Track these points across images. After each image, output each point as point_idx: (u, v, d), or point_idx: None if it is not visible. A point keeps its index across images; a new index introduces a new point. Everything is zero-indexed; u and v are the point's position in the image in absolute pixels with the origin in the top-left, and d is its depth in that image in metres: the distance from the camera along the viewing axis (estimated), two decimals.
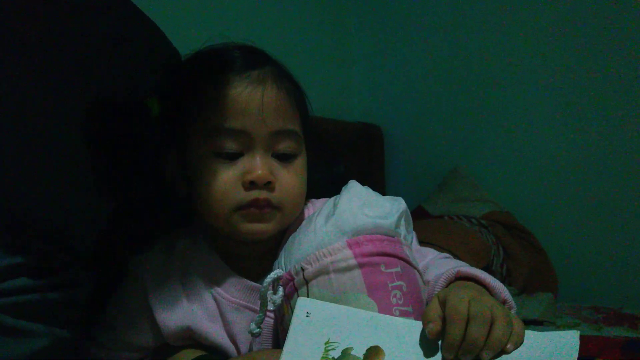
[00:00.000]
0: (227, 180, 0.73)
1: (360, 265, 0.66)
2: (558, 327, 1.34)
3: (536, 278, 1.68)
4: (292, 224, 0.79)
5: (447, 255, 0.80)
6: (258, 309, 0.73)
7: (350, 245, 0.67)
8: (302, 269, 0.67)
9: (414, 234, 0.77)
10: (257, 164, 0.73)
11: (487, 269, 1.51)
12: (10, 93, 0.65)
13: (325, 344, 0.61)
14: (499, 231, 1.68)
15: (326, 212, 0.72)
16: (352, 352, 0.60)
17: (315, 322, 0.63)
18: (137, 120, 0.77)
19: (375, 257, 0.67)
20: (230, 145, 0.73)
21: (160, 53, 0.85)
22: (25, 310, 0.65)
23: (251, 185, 0.72)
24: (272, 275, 0.69)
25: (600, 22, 1.70)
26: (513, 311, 0.65)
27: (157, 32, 0.87)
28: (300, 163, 0.77)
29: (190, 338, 0.76)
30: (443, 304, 0.60)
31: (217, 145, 0.73)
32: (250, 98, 0.73)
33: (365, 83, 2.20)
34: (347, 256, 0.66)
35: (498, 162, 1.91)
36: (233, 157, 0.73)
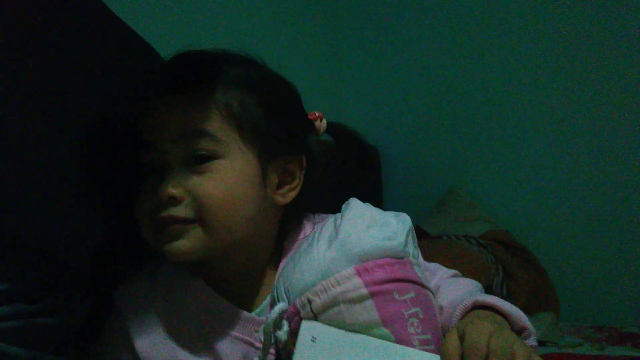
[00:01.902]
0: (143, 202, 0.70)
1: (372, 295, 0.61)
2: (560, 348, 1.33)
3: (537, 297, 1.66)
4: (288, 241, 0.75)
5: (455, 272, 0.77)
6: (253, 341, 0.69)
7: (359, 273, 0.62)
8: (309, 301, 0.62)
9: (419, 250, 0.73)
10: (164, 180, 0.69)
11: (488, 289, 1.50)
12: (5, 113, 0.64)
13: None
14: (497, 250, 1.67)
15: (327, 235, 0.67)
16: None
17: (321, 348, 0.59)
18: (130, 144, 0.76)
19: (388, 284, 0.62)
20: (147, 160, 0.71)
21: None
22: (14, 335, 0.64)
23: (160, 204, 0.68)
24: (276, 309, 0.63)
25: (600, 47, 1.71)
26: (533, 337, 0.62)
27: (153, 53, 0.87)
28: (223, 165, 0.69)
29: None
30: (462, 337, 0.57)
31: (141, 163, 0.71)
32: (152, 109, 0.70)
33: (361, 104, 2.20)
34: (357, 285, 0.61)
35: (496, 181, 1.91)
36: (156, 172, 0.70)
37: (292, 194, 0.76)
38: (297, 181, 0.76)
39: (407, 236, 0.68)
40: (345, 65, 2.21)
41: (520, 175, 1.86)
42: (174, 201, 0.68)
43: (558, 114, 1.79)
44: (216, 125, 0.70)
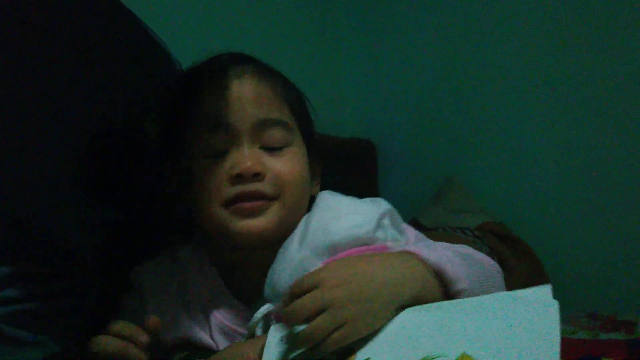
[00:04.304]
0: (213, 177, 0.70)
1: None
2: None
3: (532, 287, 1.67)
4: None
5: (461, 246, 0.74)
6: (244, 333, 0.69)
7: None
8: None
9: (413, 233, 0.73)
10: (243, 156, 0.69)
11: None
12: (17, 105, 0.65)
13: None
14: (492, 242, 1.69)
15: (299, 234, 0.67)
16: None
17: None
18: (137, 135, 0.77)
19: None
20: (214, 141, 0.71)
21: (163, 69, 0.86)
22: (25, 319, 0.65)
23: (238, 178, 0.69)
24: (262, 310, 0.65)
25: (597, 38, 1.72)
26: (455, 286, 0.60)
27: (162, 50, 0.88)
28: (294, 151, 0.73)
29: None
30: None
31: (202, 143, 0.71)
32: (228, 91, 0.72)
33: (357, 96, 2.21)
34: None
35: (492, 172, 1.92)
36: (219, 154, 0.71)
37: (318, 188, 0.80)
38: (318, 178, 0.80)
39: (380, 221, 0.67)
40: (342, 57, 2.22)
41: (516, 166, 1.88)
42: (258, 177, 0.69)
43: (554, 104, 1.80)
44: (287, 114, 0.74)
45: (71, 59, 0.72)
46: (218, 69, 0.74)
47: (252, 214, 0.69)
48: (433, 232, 1.72)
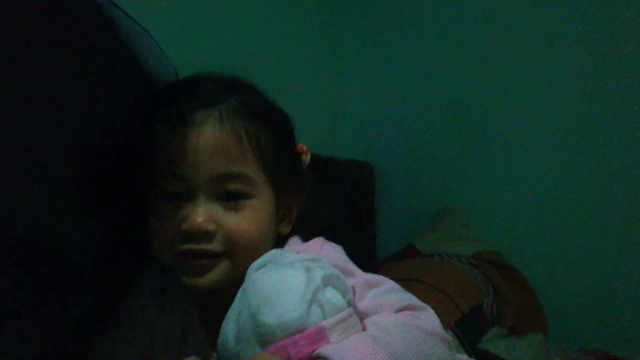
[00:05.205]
0: (167, 225, 0.69)
1: None
2: None
3: (526, 318, 1.66)
4: None
5: (406, 305, 0.66)
6: None
7: None
8: None
9: (361, 279, 0.68)
10: (195, 212, 0.68)
11: (478, 308, 1.50)
12: (15, 104, 0.65)
13: None
14: (488, 270, 1.67)
15: (235, 315, 0.63)
16: None
17: None
18: (136, 137, 0.76)
19: None
20: (171, 189, 0.70)
21: (163, 74, 0.86)
22: (21, 327, 0.64)
23: (188, 235, 0.68)
24: None
25: (595, 62, 1.73)
26: None
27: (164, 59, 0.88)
28: (253, 205, 0.71)
29: None
30: None
31: (160, 188, 0.71)
32: (187, 142, 0.70)
33: (356, 120, 2.21)
34: None
35: (489, 199, 1.92)
36: (176, 200, 0.70)
37: (290, 226, 0.79)
38: (294, 213, 0.79)
39: (314, 296, 0.61)
40: (341, 79, 2.23)
41: (513, 194, 1.88)
42: (207, 235, 0.68)
43: (553, 134, 1.80)
44: (251, 165, 0.71)
45: (71, 61, 0.71)
46: (180, 113, 0.71)
47: (200, 271, 0.68)
48: (429, 258, 1.71)
